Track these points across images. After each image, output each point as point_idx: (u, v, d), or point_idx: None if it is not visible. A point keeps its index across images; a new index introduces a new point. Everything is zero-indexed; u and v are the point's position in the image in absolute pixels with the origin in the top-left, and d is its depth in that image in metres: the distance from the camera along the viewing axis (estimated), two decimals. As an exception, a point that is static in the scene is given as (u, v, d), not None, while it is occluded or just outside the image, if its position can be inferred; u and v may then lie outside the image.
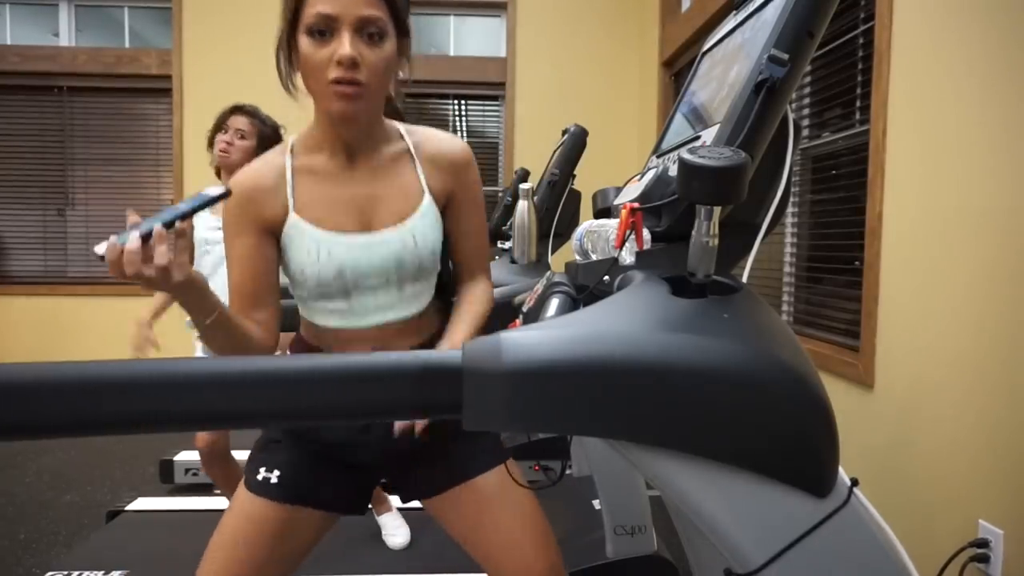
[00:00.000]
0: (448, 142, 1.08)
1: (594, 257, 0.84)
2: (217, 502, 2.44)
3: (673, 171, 0.76)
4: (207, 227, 2.10)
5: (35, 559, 2.21)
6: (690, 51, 3.60)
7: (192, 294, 0.85)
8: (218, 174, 2.12)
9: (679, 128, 0.96)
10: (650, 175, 0.88)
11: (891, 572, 0.53)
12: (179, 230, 0.80)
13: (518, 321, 0.85)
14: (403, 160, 1.06)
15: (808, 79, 2.44)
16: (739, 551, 0.52)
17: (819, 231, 2.38)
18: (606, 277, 0.74)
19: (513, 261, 2.20)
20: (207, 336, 0.91)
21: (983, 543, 1.44)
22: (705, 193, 0.56)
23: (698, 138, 0.79)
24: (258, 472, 1.04)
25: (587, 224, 0.88)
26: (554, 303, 0.72)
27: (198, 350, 2.17)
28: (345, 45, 0.90)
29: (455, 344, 1.02)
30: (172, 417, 0.47)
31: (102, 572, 1.95)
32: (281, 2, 0.96)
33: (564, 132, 2.71)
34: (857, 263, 2.04)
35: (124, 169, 4.45)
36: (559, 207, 2.66)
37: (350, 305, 1.03)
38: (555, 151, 2.80)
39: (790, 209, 2.50)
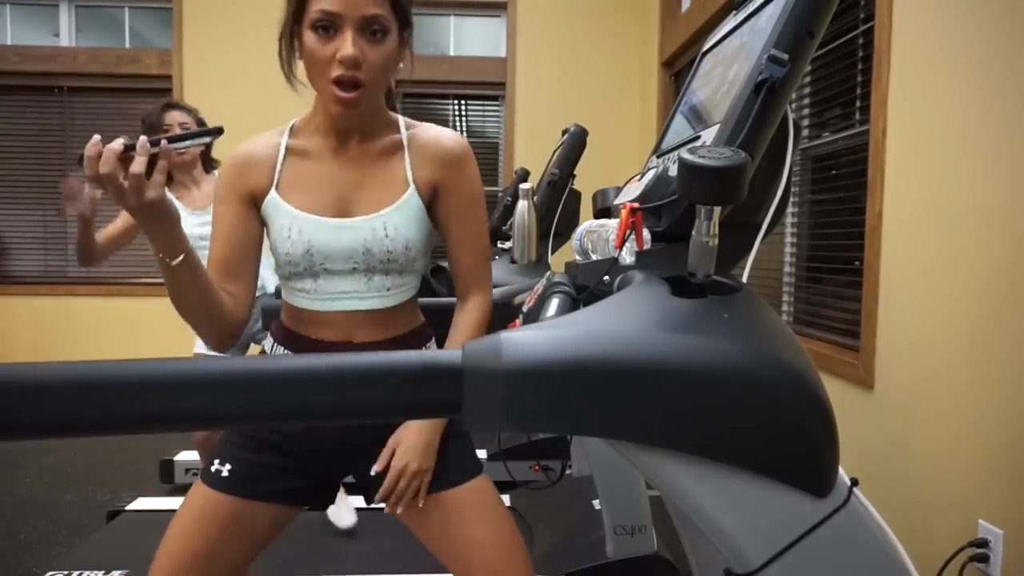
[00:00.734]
0: (444, 134, 1.09)
1: (594, 257, 0.84)
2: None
3: (673, 171, 0.76)
4: (199, 223, 2.10)
5: (35, 559, 2.21)
6: (690, 51, 3.60)
7: (160, 222, 0.85)
8: (170, 179, 2.07)
9: (679, 128, 0.96)
10: (650, 175, 0.89)
11: (891, 572, 0.53)
12: (164, 149, 0.82)
13: (518, 321, 0.85)
14: (395, 151, 1.07)
15: (808, 79, 2.44)
16: (739, 551, 0.52)
17: (819, 231, 2.38)
18: (606, 277, 0.74)
19: (513, 261, 2.20)
20: (172, 282, 0.91)
21: (983, 543, 1.44)
22: (705, 193, 0.56)
23: (698, 138, 0.79)
24: (212, 463, 1.06)
25: (587, 224, 0.88)
26: (554, 303, 0.72)
27: (198, 345, 2.17)
28: (348, 45, 0.91)
29: None
30: (171, 417, 0.47)
31: (102, 572, 1.95)
32: None
33: (564, 132, 2.71)
34: (857, 263, 2.04)
35: (124, 169, 4.45)
36: (559, 207, 2.66)
37: (316, 286, 1.04)
38: (555, 151, 2.80)
39: (790, 209, 2.50)
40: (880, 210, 1.84)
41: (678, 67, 3.86)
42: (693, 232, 0.60)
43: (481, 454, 2.77)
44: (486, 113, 4.60)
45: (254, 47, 4.14)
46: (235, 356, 2.21)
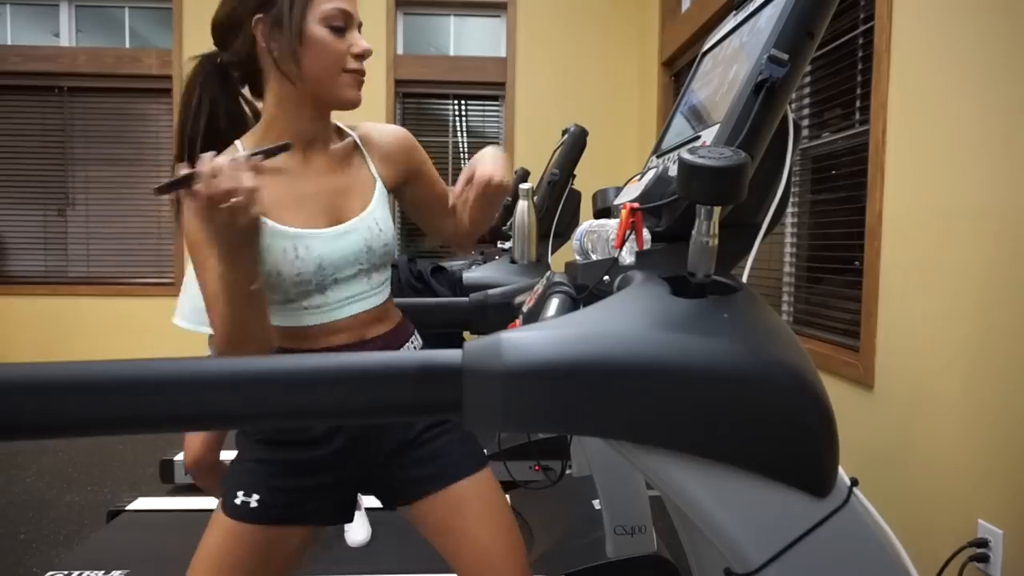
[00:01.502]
0: (391, 131, 1.16)
1: (594, 257, 0.84)
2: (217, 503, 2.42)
3: (673, 171, 0.76)
4: None
5: (35, 559, 2.21)
6: (690, 51, 3.60)
7: (252, 242, 0.88)
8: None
9: (679, 128, 0.96)
10: (650, 175, 0.89)
11: (891, 572, 0.53)
12: (248, 162, 0.83)
13: (518, 321, 0.85)
14: (353, 153, 1.12)
15: (808, 79, 2.44)
16: (739, 551, 0.52)
17: (819, 231, 2.38)
18: (606, 277, 0.74)
19: (513, 261, 2.20)
20: (245, 308, 0.90)
21: (983, 543, 1.44)
22: (705, 193, 0.56)
23: (698, 138, 0.79)
24: (236, 495, 1.03)
25: (587, 224, 0.88)
26: (554, 303, 0.72)
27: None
28: (363, 41, 1.02)
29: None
30: (172, 417, 0.47)
31: (102, 572, 1.95)
32: None
33: (564, 132, 2.71)
34: (857, 263, 2.04)
35: (124, 169, 4.45)
36: (559, 207, 2.66)
37: (325, 298, 1.04)
38: (555, 151, 2.80)
39: (790, 209, 2.50)
40: (880, 210, 1.84)
41: (678, 67, 3.86)
42: (693, 232, 0.60)
43: (481, 454, 2.78)
44: (486, 113, 4.60)
45: (254, 47, 4.14)
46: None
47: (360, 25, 1.04)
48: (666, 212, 0.76)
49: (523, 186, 2.13)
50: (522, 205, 2.12)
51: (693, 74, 1.04)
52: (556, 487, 2.13)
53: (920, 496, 1.66)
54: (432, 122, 4.59)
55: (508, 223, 2.45)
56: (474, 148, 4.56)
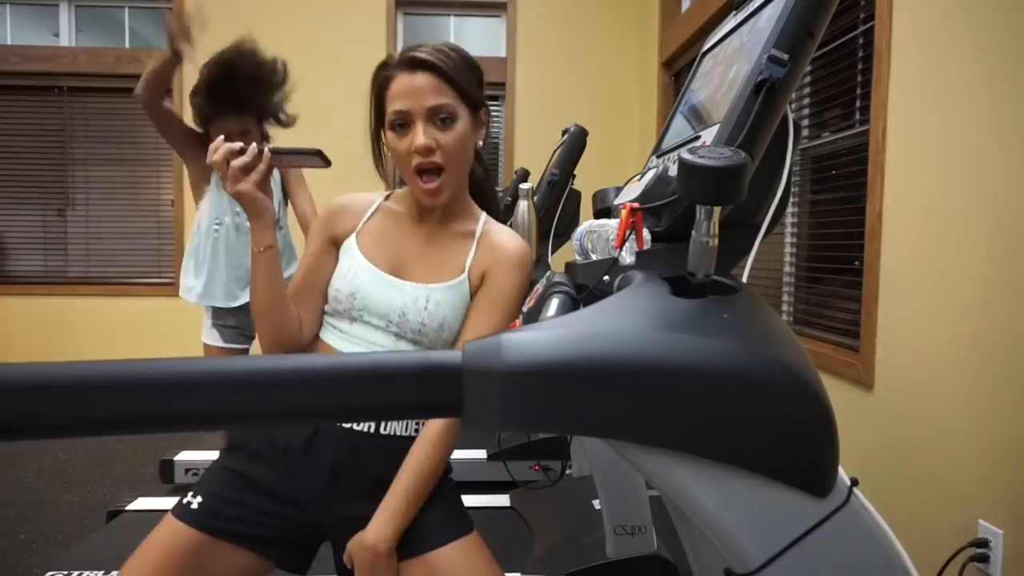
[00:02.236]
0: (513, 239, 1.14)
1: (594, 257, 0.84)
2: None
3: (673, 171, 0.76)
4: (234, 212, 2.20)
5: (35, 559, 2.21)
6: (690, 51, 3.60)
7: (251, 212, 1.01)
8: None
9: (679, 128, 0.96)
10: (650, 175, 0.89)
11: (891, 572, 0.53)
12: (265, 157, 0.99)
13: (518, 321, 0.85)
14: (464, 239, 1.13)
15: (808, 79, 2.44)
16: (739, 551, 0.52)
17: (819, 231, 2.38)
18: (606, 277, 0.74)
19: (513, 261, 2.19)
20: (253, 271, 1.04)
21: (983, 543, 1.44)
22: (705, 193, 0.56)
23: (698, 138, 0.79)
24: (185, 495, 1.06)
25: (587, 224, 0.88)
26: (554, 303, 0.72)
27: (205, 335, 2.24)
28: (419, 136, 1.02)
29: (384, 508, 1.01)
30: (171, 417, 0.47)
31: (102, 572, 1.95)
32: (370, 103, 1.11)
33: (564, 132, 2.71)
34: (857, 263, 2.04)
35: (124, 169, 4.45)
36: (559, 207, 2.66)
37: (351, 329, 1.10)
38: (555, 151, 2.80)
39: (790, 209, 2.50)
40: (880, 210, 1.84)
41: (678, 67, 3.86)
42: (693, 232, 0.60)
43: (481, 454, 2.78)
44: (486, 113, 4.60)
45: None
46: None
47: (435, 109, 1.03)
48: (666, 212, 0.76)
49: (523, 186, 2.13)
50: (522, 205, 2.12)
51: (693, 74, 1.04)
52: (556, 487, 2.12)
53: (920, 496, 1.66)
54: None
55: (508, 223, 2.45)
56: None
